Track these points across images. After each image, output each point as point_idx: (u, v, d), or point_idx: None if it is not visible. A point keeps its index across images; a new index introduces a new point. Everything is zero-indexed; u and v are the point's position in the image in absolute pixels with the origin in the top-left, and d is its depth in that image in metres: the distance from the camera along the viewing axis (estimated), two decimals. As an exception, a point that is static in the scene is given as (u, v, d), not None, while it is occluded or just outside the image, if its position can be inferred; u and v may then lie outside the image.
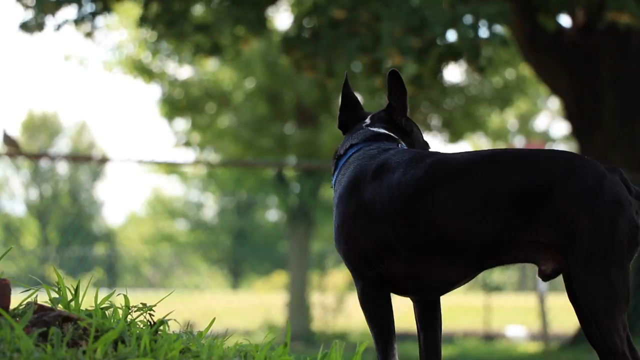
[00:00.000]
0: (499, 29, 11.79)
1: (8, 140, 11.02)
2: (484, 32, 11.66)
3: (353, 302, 20.33)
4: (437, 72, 12.64)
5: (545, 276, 3.52)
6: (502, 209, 3.44)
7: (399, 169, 3.58)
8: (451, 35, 11.81)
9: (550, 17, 13.45)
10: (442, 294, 3.64)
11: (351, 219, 3.60)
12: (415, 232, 3.50)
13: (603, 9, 12.29)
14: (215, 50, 14.50)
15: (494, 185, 3.46)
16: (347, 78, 4.01)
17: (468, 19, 11.63)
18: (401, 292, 3.64)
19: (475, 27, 11.53)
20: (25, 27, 13.37)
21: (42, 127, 47.33)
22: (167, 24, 13.67)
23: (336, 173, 3.83)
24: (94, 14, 13.94)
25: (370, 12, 12.13)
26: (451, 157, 3.59)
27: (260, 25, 14.08)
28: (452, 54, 12.14)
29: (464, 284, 3.61)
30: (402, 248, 3.52)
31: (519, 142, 30.22)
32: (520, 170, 3.47)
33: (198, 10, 15.27)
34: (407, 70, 11.93)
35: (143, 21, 13.89)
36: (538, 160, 3.50)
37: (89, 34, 14.32)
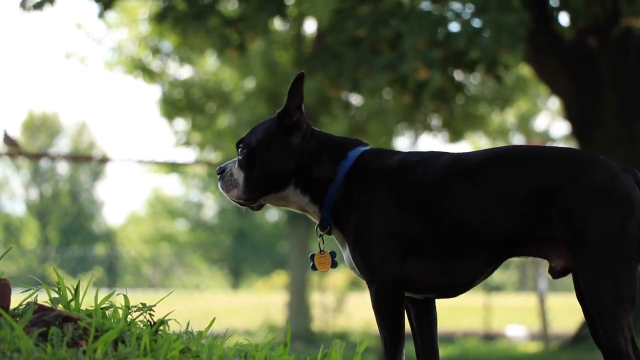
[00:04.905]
0: (521, 38, 11.80)
1: (8, 140, 11.02)
2: (507, 39, 11.69)
3: (353, 302, 20.34)
4: (457, 83, 12.74)
5: (555, 273, 3.54)
6: (518, 204, 3.47)
7: (418, 166, 3.59)
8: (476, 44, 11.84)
9: (571, 27, 13.47)
10: (464, 291, 3.64)
11: (375, 219, 3.59)
12: (441, 228, 3.52)
13: (618, 15, 12.32)
14: (242, 47, 14.39)
15: (510, 182, 3.50)
16: (303, 77, 3.79)
17: (487, 30, 11.69)
18: (421, 291, 3.63)
19: (496, 38, 11.58)
20: (25, 5, 13.04)
21: (42, 127, 47.32)
22: (194, 18, 13.56)
23: (335, 192, 3.72)
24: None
25: (391, 29, 12.18)
26: (467, 155, 3.63)
27: (280, 14, 14.07)
28: (468, 64, 12.21)
29: (482, 280, 3.62)
30: (428, 244, 3.53)
31: (519, 142, 30.23)
32: (534, 168, 3.51)
33: (225, 6, 15.16)
34: (435, 80, 12.00)
35: (162, 18, 13.78)
36: (552, 157, 3.53)
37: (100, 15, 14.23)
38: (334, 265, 3.81)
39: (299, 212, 3.82)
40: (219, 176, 3.79)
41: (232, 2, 15.03)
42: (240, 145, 3.76)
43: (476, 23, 11.78)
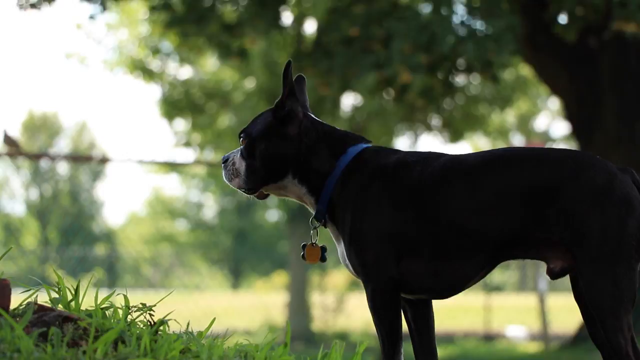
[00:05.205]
0: (509, 42, 11.81)
1: (8, 140, 11.02)
2: (493, 45, 11.71)
3: (353, 302, 20.33)
4: (449, 83, 12.75)
5: (554, 274, 3.53)
6: (516, 206, 3.46)
7: (416, 167, 3.59)
8: (462, 49, 11.86)
9: (566, 29, 13.50)
10: (457, 292, 3.63)
11: (371, 218, 3.58)
12: (437, 228, 3.51)
13: (610, 18, 12.31)
14: (243, 53, 14.41)
15: (507, 183, 3.49)
16: (290, 64, 3.74)
17: (478, 33, 11.73)
18: (416, 292, 3.63)
19: (484, 42, 11.61)
20: (24, 4, 13.01)
21: (42, 127, 47.32)
22: (194, 22, 13.57)
23: (332, 186, 3.72)
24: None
25: (384, 29, 12.20)
26: (465, 156, 3.62)
27: (275, 24, 14.11)
28: (465, 67, 12.25)
29: (477, 281, 3.61)
30: (424, 245, 3.52)
31: (519, 142, 30.24)
32: (532, 169, 3.50)
33: (223, 11, 15.21)
34: (417, 84, 12.02)
35: (155, 9, 13.79)
36: (549, 159, 3.52)
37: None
38: (323, 259, 3.82)
39: (299, 202, 3.83)
40: (222, 165, 3.82)
41: (231, 6, 15.04)
42: (242, 135, 3.80)
43: (462, 31, 11.82)
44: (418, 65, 11.62)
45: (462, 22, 12.07)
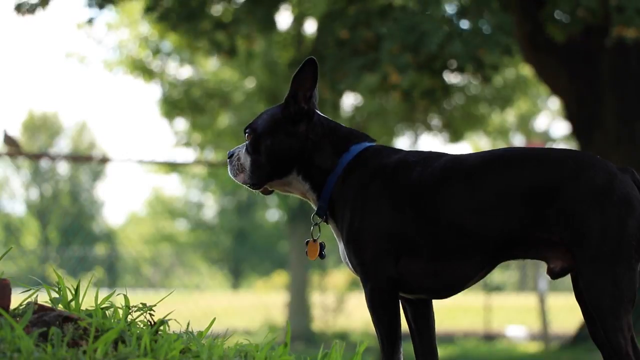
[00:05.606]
0: (499, 40, 11.80)
1: (8, 140, 11.02)
2: (484, 43, 11.69)
3: (353, 302, 20.33)
4: (446, 84, 12.75)
5: (554, 274, 3.53)
6: (516, 206, 3.46)
7: (416, 167, 3.59)
8: (450, 48, 11.85)
9: (559, 30, 13.46)
10: (456, 292, 3.63)
11: (370, 217, 3.58)
12: (437, 228, 3.51)
13: (609, 22, 12.30)
14: (233, 50, 14.41)
15: (507, 184, 3.49)
16: (313, 62, 3.73)
17: (467, 32, 11.71)
18: (416, 292, 3.62)
19: (471, 42, 11.59)
20: (21, 8, 13.07)
21: (42, 127, 47.32)
22: (185, 19, 13.57)
23: (333, 184, 3.73)
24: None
25: (372, 30, 12.18)
26: (465, 156, 3.62)
27: (269, 24, 14.10)
28: (456, 66, 12.23)
29: (476, 281, 3.61)
30: (423, 245, 3.52)
31: (519, 142, 30.24)
32: (532, 169, 3.49)
33: (216, 9, 15.19)
34: (404, 84, 11.98)
35: (150, 10, 13.82)
36: (549, 159, 3.52)
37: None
38: (321, 256, 3.82)
39: (302, 199, 3.83)
40: (228, 160, 3.83)
41: (223, 5, 15.03)
42: (247, 131, 3.80)
43: (450, 29, 11.81)
44: (406, 64, 11.60)
45: (451, 21, 12.04)
